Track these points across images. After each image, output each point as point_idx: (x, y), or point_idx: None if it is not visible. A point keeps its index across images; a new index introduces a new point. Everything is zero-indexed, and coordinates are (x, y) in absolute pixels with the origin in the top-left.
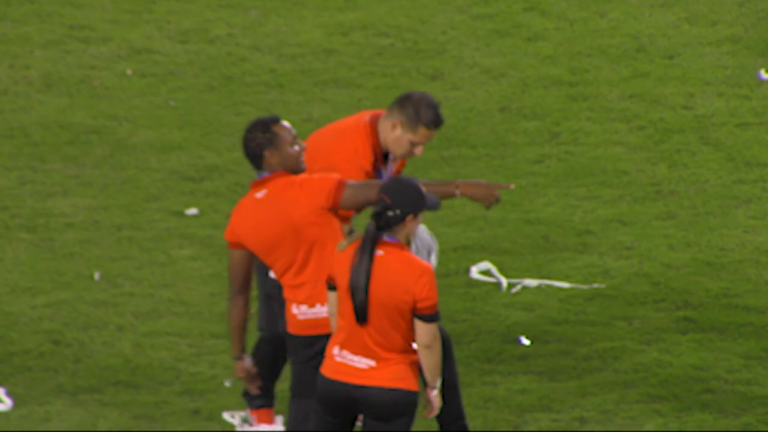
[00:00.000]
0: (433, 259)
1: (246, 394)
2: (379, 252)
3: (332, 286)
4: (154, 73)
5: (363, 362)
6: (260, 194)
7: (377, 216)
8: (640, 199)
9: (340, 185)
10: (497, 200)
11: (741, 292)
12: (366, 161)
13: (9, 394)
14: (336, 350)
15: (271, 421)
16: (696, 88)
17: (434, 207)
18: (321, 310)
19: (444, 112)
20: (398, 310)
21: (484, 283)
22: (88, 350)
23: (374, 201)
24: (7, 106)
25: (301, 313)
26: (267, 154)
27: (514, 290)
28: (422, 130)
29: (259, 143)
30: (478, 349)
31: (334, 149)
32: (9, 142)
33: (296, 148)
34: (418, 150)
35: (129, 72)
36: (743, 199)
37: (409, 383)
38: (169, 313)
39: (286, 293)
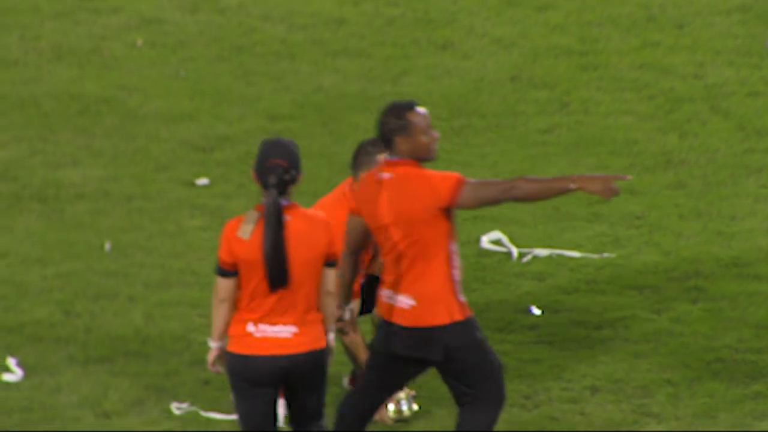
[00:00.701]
0: None
1: None
2: (287, 218)
3: (230, 272)
4: (164, 43)
5: (285, 331)
6: (386, 175)
7: (279, 183)
8: (650, 169)
9: (459, 183)
10: (615, 193)
11: (752, 261)
12: None
13: (20, 364)
14: (251, 327)
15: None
16: (706, 57)
17: None
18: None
19: (454, 81)
20: (318, 266)
21: (495, 253)
22: (99, 320)
23: (495, 201)
24: (17, 77)
25: (386, 297)
26: (398, 140)
27: (524, 260)
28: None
29: (392, 128)
30: (488, 319)
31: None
32: (19, 113)
33: (428, 137)
34: None
35: (139, 42)
36: (754, 168)
37: (325, 341)
38: (180, 283)
39: (384, 276)
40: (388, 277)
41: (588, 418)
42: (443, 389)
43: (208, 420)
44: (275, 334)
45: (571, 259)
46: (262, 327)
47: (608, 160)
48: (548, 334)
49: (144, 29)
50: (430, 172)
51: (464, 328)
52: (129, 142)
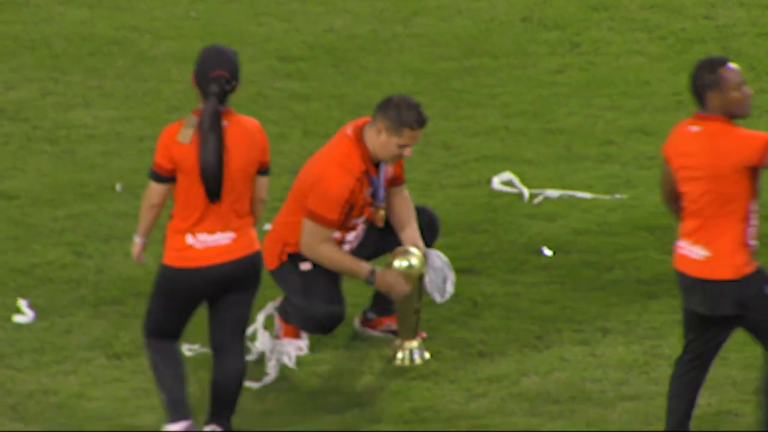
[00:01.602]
0: (449, 286)
1: (280, 308)
2: (224, 123)
3: (166, 178)
4: None
5: (225, 237)
6: (695, 128)
7: (220, 93)
8: (662, 109)
9: None
10: None
11: (763, 202)
12: (355, 169)
13: (31, 306)
14: (190, 239)
15: (297, 337)
16: None
17: None
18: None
19: (465, 22)
20: (253, 172)
21: (506, 194)
22: (110, 262)
23: None
24: (28, 18)
25: (680, 247)
26: (710, 95)
27: (536, 201)
28: (407, 132)
29: (704, 83)
30: (500, 260)
31: (322, 167)
32: (31, 54)
33: (740, 93)
34: (407, 152)
35: None
36: (765, 109)
37: (258, 244)
38: None
39: (682, 226)
40: (686, 228)
41: (599, 359)
42: (455, 331)
43: None
44: (216, 242)
45: (582, 200)
46: (202, 237)
47: (620, 100)
48: (560, 275)
49: None
50: (739, 129)
51: (754, 280)
52: (140, 83)
